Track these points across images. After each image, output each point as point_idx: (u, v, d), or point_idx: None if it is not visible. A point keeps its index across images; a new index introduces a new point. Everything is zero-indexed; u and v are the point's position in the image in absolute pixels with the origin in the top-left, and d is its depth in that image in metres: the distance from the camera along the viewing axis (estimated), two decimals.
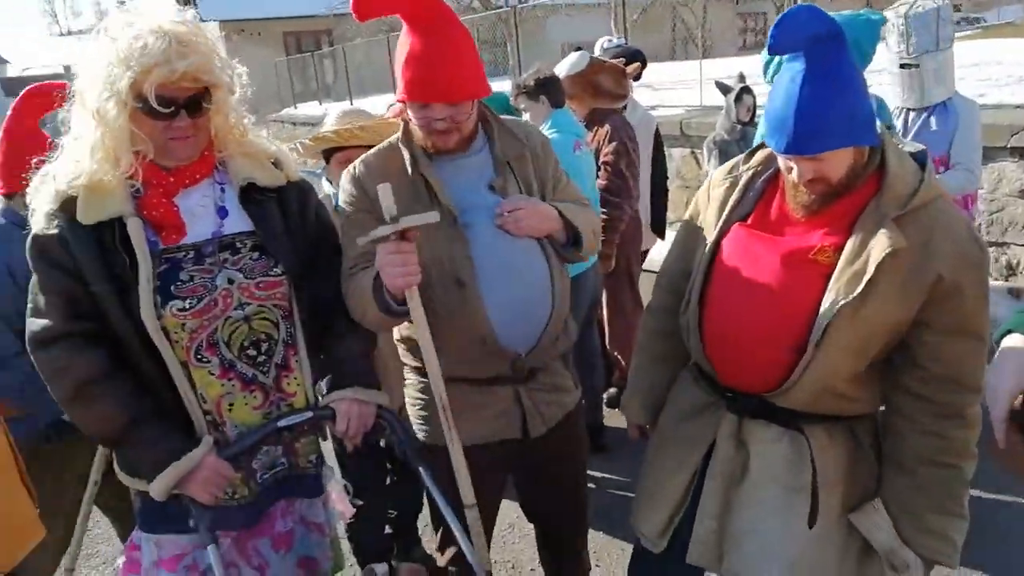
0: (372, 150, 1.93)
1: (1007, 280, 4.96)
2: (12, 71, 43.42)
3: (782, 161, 1.57)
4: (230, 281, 1.61)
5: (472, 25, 14.80)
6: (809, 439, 1.59)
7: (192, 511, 1.55)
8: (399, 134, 1.88)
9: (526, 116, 3.62)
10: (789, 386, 1.54)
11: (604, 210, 3.55)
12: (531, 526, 2.28)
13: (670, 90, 9.06)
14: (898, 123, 3.31)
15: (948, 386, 1.49)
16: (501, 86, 3.83)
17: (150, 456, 1.55)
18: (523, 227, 1.81)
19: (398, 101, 1.81)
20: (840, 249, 1.50)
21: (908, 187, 1.49)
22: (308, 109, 18.38)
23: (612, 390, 4.13)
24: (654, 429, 1.92)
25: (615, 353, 4.04)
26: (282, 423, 1.63)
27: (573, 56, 3.88)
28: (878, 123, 1.53)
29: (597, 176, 3.63)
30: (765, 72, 2.93)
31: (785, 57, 1.50)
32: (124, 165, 1.54)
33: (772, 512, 1.63)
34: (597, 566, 2.76)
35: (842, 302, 1.45)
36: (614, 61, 3.91)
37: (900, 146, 1.59)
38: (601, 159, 3.73)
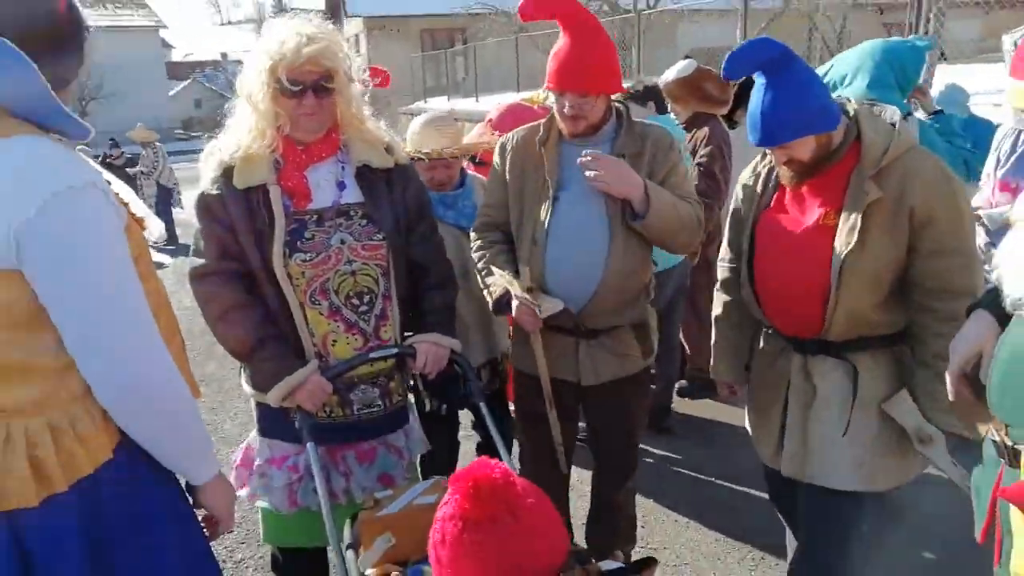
0: (529, 124, 2.38)
1: None
2: (176, 56, 47.15)
3: (770, 153, 1.98)
4: (342, 241, 2.02)
5: (613, 26, 15.05)
6: (856, 365, 1.95)
7: (298, 417, 1.96)
8: (551, 117, 2.29)
9: None
10: (828, 325, 1.92)
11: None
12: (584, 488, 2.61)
13: None
14: (1007, 141, 3.29)
15: (943, 296, 1.82)
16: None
17: (271, 370, 1.97)
18: (600, 177, 2.10)
19: (544, 88, 2.24)
20: (840, 211, 1.88)
21: (880, 149, 1.86)
22: (436, 104, 19.15)
23: (683, 381, 4.36)
24: (739, 386, 2.34)
25: (684, 342, 4.28)
26: (373, 355, 2.03)
27: (682, 63, 4.15)
28: (848, 101, 1.97)
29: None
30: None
31: (756, 75, 1.90)
32: (268, 138, 1.98)
33: (835, 425, 2.01)
34: (643, 527, 3.05)
35: (845, 251, 1.85)
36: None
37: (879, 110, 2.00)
38: (695, 160, 3.97)
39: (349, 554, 1.74)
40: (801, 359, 2.06)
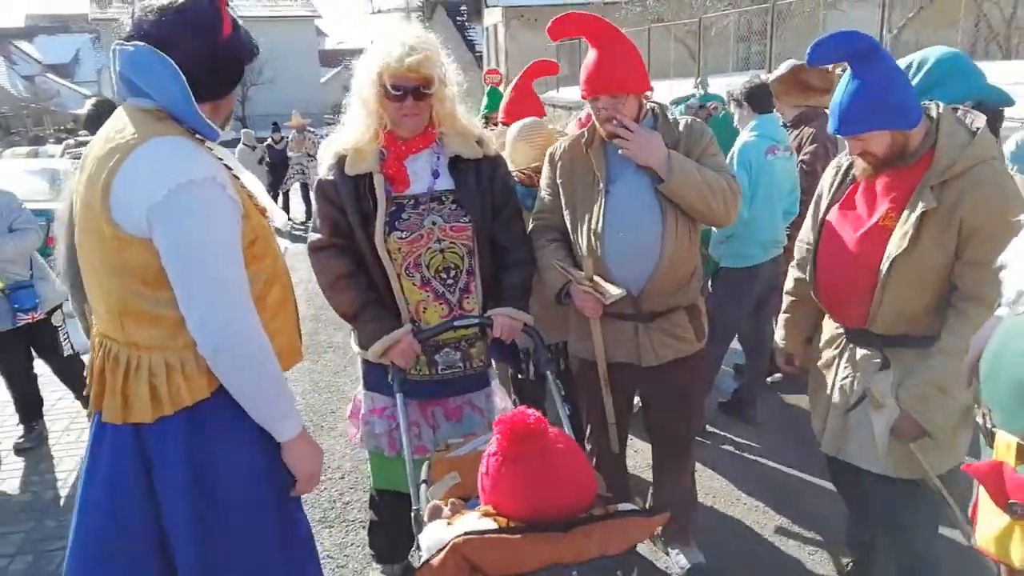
0: (573, 134, 2.64)
1: None
2: (328, 44, 49.78)
3: (846, 141, 2.10)
4: (433, 223, 2.33)
5: (743, 17, 14.72)
6: (891, 360, 2.09)
7: (391, 371, 2.29)
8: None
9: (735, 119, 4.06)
10: (872, 319, 2.07)
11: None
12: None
13: None
14: None
15: (972, 301, 1.93)
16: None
17: (371, 330, 2.31)
18: (625, 145, 2.35)
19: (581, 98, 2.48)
20: (900, 214, 2.00)
21: (950, 159, 1.95)
22: (568, 93, 19.35)
23: (778, 375, 4.42)
24: (799, 359, 2.53)
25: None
26: (457, 323, 2.33)
27: (784, 63, 4.21)
28: (938, 105, 2.04)
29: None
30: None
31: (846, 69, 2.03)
32: (374, 133, 2.32)
33: (876, 413, 2.12)
34: (712, 507, 3.20)
35: (895, 254, 1.98)
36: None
37: (966, 116, 2.05)
38: (800, 157, 4.03)
39: (422, 488, 2.06)
40: (849, 347, 2.21)
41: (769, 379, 4.42)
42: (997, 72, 7.76)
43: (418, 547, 1.77)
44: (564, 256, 2.52)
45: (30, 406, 4.32)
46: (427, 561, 1.55)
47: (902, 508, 2.20)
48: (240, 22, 1.75)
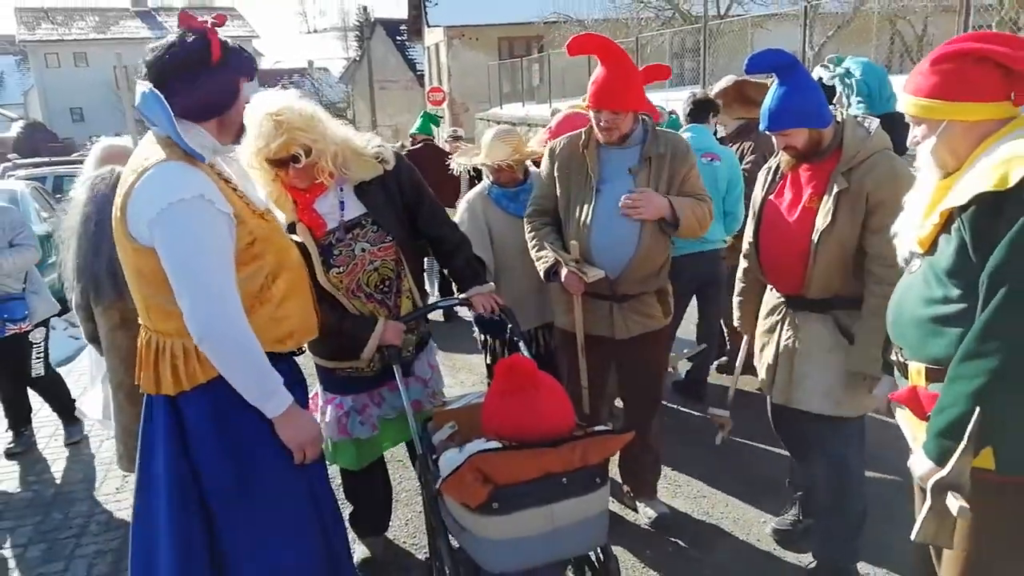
0: (571, 133, 3.04)
1: None
2: (265, 64, 49.59)
3: (774, 137, 2.56)
4: (363, 249, 2.57)
5: (677, 36, 15.49)
6: (835, 318, 2.53)
7: (388, 353, 2.56)
8: (590, 126, 2.93)
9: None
10: (807, 284, 2.49)
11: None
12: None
13: None
14: None
15: (879, 261, 2.36)
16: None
17: (361, 333, 2.54)
18: (637, 213, 2.79)
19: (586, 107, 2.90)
20: (821, 197, 2.46)
21: (854, 150, 2.43)
22: (511, 110, 19.90)
23: (724, 359, 4.91)
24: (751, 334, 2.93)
25: (724, 326, 4.82)
26: (439, 303, 2.69)
27: (725, 78, 4.71)
28: (843, 112, 2.52)
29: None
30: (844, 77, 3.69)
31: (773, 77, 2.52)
32: (277, 192, 2.49)
33: (815, 363, 2.58)
34: (674, 469, 3.64)
35: (821, 228, 2.43)
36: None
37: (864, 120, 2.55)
38: (742, 165, 4.51)
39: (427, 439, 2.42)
40: (791, 312, 2.64)
41: (715, 363, 4.90)
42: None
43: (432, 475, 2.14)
44: (555, 239, 2.93)
45: (18, 412, 4.48)
46: (448, 476, 1.92)
47: (839, 440, 2.62)
48: (233, 45, 2.02)
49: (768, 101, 2.50)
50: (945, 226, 1.73)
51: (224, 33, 2.07)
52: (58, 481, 4.04)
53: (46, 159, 18.93)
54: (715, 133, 4.68)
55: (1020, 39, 1.64)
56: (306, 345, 2.71)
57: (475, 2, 24.38)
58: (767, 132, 2.55)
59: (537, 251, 2.96)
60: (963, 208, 1.65)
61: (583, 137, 2.93)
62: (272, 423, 2.03)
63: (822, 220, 2.44)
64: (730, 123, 4.73)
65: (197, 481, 2.04)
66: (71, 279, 3.29)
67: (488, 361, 3.52)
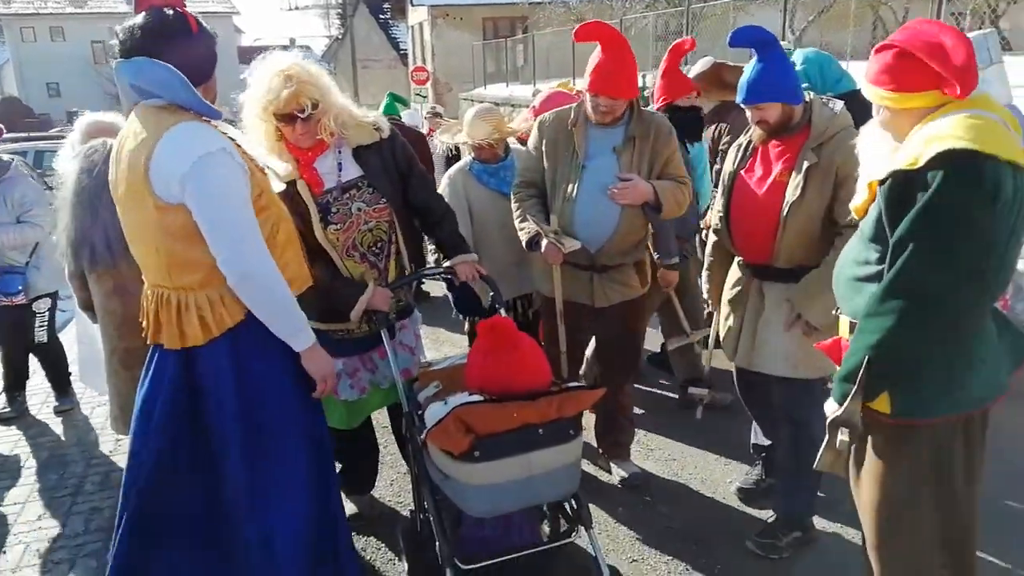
0: (559, 108, 3.19)
1: None
2: (245, 41, 49.05)
3: (747, 110, 2.70)
4: (359, 209, 2.70)
5: (660, 19, 15.60)
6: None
7: (377, 318, 2.71)
8: (579, 104, 3.08)
9: None
10: (775, 254, 2.66)
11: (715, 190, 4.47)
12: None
13: None
14: None
15: (847, 229, 2.46)
16: None
17: (349, 294, 2.66)
18: (623, 199, 2.95)
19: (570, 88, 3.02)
20: (791, 171, 2.61)
21: (822, 128, 2.60)
22: (495, 90, 19.92)
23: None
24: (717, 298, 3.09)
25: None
26: (425, 271, 2.83)
27: (703, 60, 4.84)
28: (811, 94, 2.70)
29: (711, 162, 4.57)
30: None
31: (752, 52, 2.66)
32: (279, 149, 2.63)
33: (776, 329, 2.75)
34: (645, 434, 3.84)
35: (791, 200, 2.58)
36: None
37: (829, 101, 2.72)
38: (719, 147, 4.65)
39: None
40: (758, 281, 2.81)
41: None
42: None
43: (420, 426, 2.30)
44: (539, 211, 3.07)
45: (18, 375, 4.59)
46: (434, 426, 2.08)
47: (799, 403, 2.81)
48: (200, 20, 2.15)
49: (746, 75, 2.64)
50: (874, 197, 1.92)
51: (204, 9, 2.22)
52: (50, 445, 4.16)
53: (25, 134, 18.74)
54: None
55: (954, 31, 1.80)
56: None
57: None
58: (743, 104, 2.70)
59: (520, 222, 3.11)
60: (882, 182, 1.84)
61: (572, 114, 3.07)
62: (292, 365, 2.21)
63: (792, 193, 2.60)
64: (706, 104, 4.87)
65: (205, 433, 2.16)
66: (64, 248, 3.39)
67: (468, 329, 3.68)
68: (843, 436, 1.88)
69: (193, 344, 2.14)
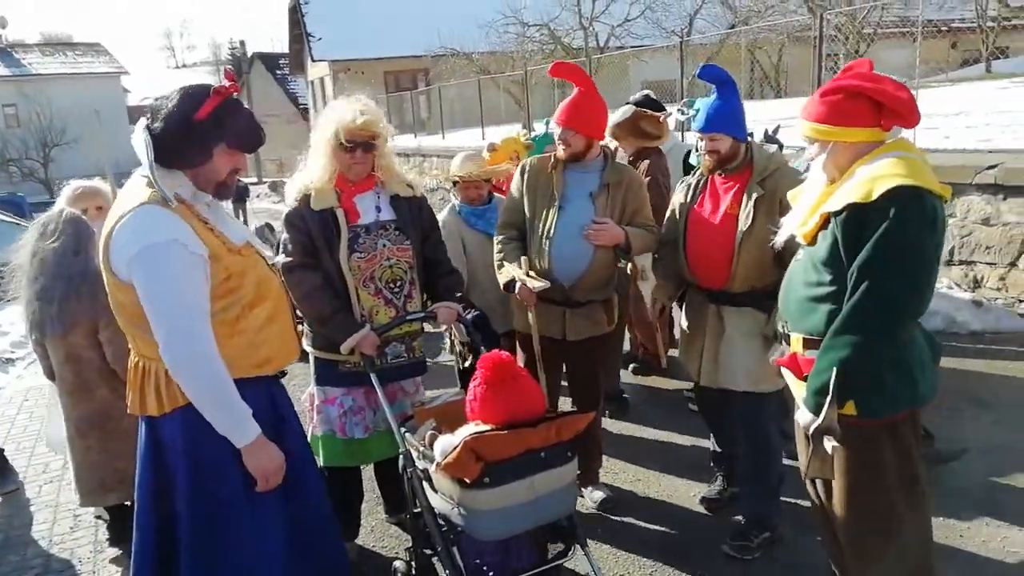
0: (540, 156, 3.45)
1: (973, 292, 5.94)
2: (133, 100, 47.78)
3: (700, 139, 3.01)
4: (384, 245, 2.96)
5: None
6: (756, 310, 2.94)
7: (364, 360, 2.87)
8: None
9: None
10: (731, 281, 2.93)
11: None
12: None
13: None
14: None
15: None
16: None
17: (344, 330, 2.85)
18: (598, 240, 3.20)
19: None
20: (740, 204, 2.91)
21: (764, 164, 2.93)
22: (404, 141, 20.14)
23: (635, 364, 5.39)
24: (668, 304, 3.34)
25: (637, 333, 5.29)
26: (409, 316, 2.98)
27: (621, 108, 5.19)
28: (754, 137, 3.01)
29: None
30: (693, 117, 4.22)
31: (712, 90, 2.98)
32: (331, 176, 2.93)
33: (738, 348, 3.01)
34: (608, 457, 4.03)
35: (743, 229, 2.87)
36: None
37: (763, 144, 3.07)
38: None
39: (407, 435, 2.68)
40: (715, 306, 3.07)
41: (631, 365, 5.37)
42: (772, 110, 9.48)
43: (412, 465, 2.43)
44: (517, 253, 3.28)
45: None
46: (447, 456, 2.22)
47: (758, 414, 3.08)
48: (236, 114, 2.14)
49: (706, 107, 2.97)
50: (823, 225, 2.21)
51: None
52: (3, 526, 3.98)
53: None
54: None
55: (890, 80, 2.14)
56: (307, 343, 3.01)
57: (360, 36, 24.64)
58: (699, 132, 3.00)
59: (499, 268, 3.33)
60: (837, 213, 2.13)
61: (552, 159, 3.33)
62: (231, 450, 2.15)
63: (744, 223, 2.90)
64: (627, 149, 5.22)
65: (169, 498, 2.20)
66: (25, 318, 3.35)
67: (461, 367, 3.84)
68: (829, 443, 2.11)
69: (151, 414, 2.18)
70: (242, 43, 38.81)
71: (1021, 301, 5.74)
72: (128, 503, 3.34)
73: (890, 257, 2.02)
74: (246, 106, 2.25)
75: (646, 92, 5.61)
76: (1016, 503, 3.40)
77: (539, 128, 7.38)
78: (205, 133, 2.11)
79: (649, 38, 19.02)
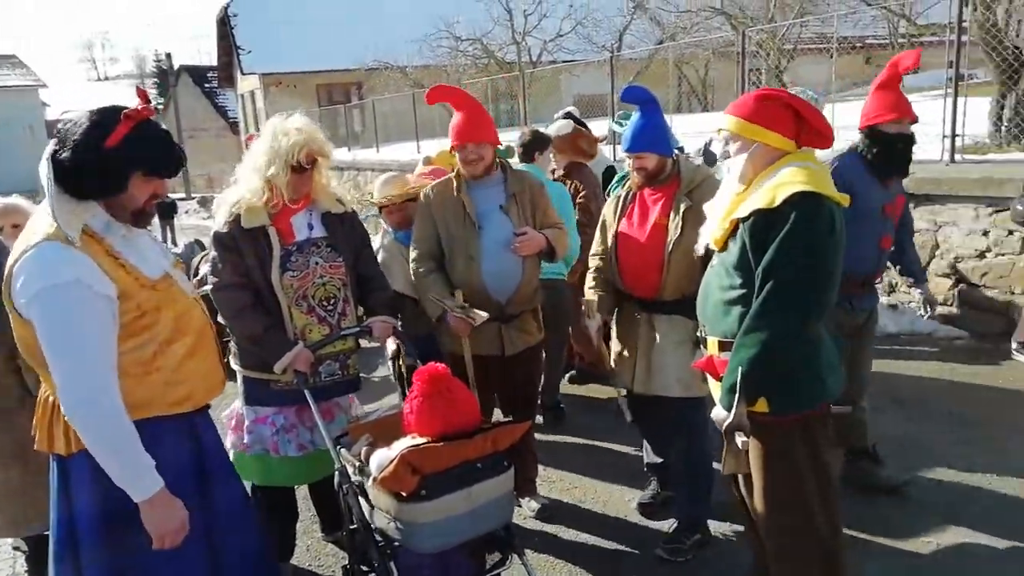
0: (437, 182, 3.42)
1: (888, 296, 6.24)
2: (52, 114, 46.02)
3: (628, 158, 3.08)
4: (316, 263, 2.95)
5: (492, 83, 16.50)
6: (686, 317, 2.97)
7: (297, 378, 2.84)
8: (453, 173, 3.34)
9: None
10: (662, 289, 3.01)
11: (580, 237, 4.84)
12: None
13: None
14: None
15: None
16: (514, 135, 5.27)
17: (277, 349, 2.83)
18: (524, 251, 3.25)
19: (451, 151, 3.32)
20: (668, 215, 3.00)
21: (690, 176, 3.03)
22: (339, 155, 19.88)
23: (573, 371, 5.47)
24: (606, 319, 3.33)
25: (577, 345, 5.37)
26: (344, 332, 2.97)
27: (560, 122, 5.29)
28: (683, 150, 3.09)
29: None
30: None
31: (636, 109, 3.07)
32: (265, 196, 2.88)
33: (669, 356, 3.08)
34: (546, 464, 4.09)
35: (673, 239, 2.95)
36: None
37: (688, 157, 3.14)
38: (577, 201, 5.08)
39: (342, 451, 2.67)
40: (647, 314, 3.15)
41: (566, 375, 5.45)
42: (699, 122, 9.77)
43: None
44: (442, 285, 3.26)
45: None
46: (384, 470, 2.22)
47: (690, 419, 3.17)
48: (149, 139, 2.02)
49: (632, 127, 3.05)
50: (733, 232, 2.34)
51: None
52: None
53: None
54: (553, 171, 5.25)
55: (808, 104, 2.31)
56: (236, 363, 2.97)
57: (291, 50, 24.27)
58: (626, 153, 3.09)
59: (425, 299, 3.32)
60: (745, 219, 2.26)
61: (454, 183, 3.34)
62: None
63: (673, 233, 2.99)
64: (561, 163, 5.34)
65: (78, 544, 2.10)
66: None
67: (398, 377, 3.86)
68: (740, 438, 2.22)
69: (59, 452, 2.09)
70: (168, 55, 37.60)
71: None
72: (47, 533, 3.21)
73: (793, 259, 2.14)
74: (163, 126, 2.16)
75: (570, 110, 5.77)
76: (924, 496, 3.59)
77: None
78: (118, 162, 1.98)
79: (581, 53, 19.33)
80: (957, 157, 6.42)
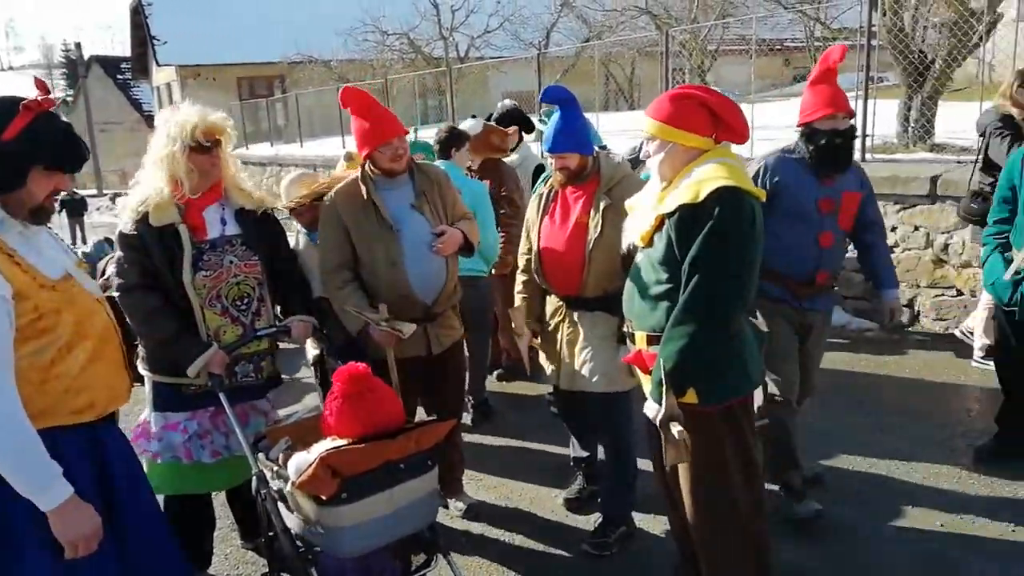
0: (341, 184, 3.26)
1: None
2: None
3: (551, 158, 3.07)
4: (231, 262, 2.84)
5: (420, 79, 16.36)
6: (609, 314, 2.98)
7: (212, 380, 2.73)
8: (358, 174, 3.20)
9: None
10: (584, 286, 3.00)
11: (503, 231, 4.81)
12: None
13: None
14: None
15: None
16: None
17: (191, 352, 2.71)
18: (447, 251, 3.18)
19: (363, 156, 3.14)
20: (589, 213, 2.99)
21: (610, 174, 3.03)
22: (259, 150, 19.42)
23: (501, 369, 5.45)
24: (536, 333, 3.33)
25: (504, 342, 5.35)
26: (259, 332, 2.87)
27: (471, 121, 5.27)
28: (595, 148, 3.10)
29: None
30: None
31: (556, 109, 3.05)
32: (170, 191, 2.74)
33: (593, 351, 3.07)
34: (475, 462, 4.05)
35: (593, 237, 2.95)
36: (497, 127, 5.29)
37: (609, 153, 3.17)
38: (501, 194, 5.05)
39: (260, 456, 2.58)
40: (570, 311, 3.15)
41: (494, 372, 5.43)
42: (626, 121, 9.89)
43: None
44: (360, 297, 3.12)
45: None
46: (303, 474, 2.15)
47: (614, 413, 3.18)
48: (47, 133, 1.94)
49: (552, 127, 3.03)
50: (658, 227, 2.37)
51: None
52: None
53: None
54: (470, 167, 5.21)
55: (730, 100, 2.34)
56: (144, 368, 2.83)
57: (210, 41, 23.50)
58: (548, 153, 3.07)
59: (343, 313, 3.14)
60: (670, 215, 2.29)
61: (360, 187, 3.16)
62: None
63: (594, 231, 2.99)
64: (476, 160, 5.33)
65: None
66: None
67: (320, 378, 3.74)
68: (675, 428, 2.23)
69: None
70: (78, 45, 35.94)
71: (847, 298, 6.30)
72: None
73: (717, 252, 2.19)
74: (64, 119, 2.05)
75: (514, 103, 5.78)
76: (838, 482, 3.74)
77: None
78: (15, 156, 1.91)
79: (508, 50, 19.38)
80: (868, 156, 6.68)
